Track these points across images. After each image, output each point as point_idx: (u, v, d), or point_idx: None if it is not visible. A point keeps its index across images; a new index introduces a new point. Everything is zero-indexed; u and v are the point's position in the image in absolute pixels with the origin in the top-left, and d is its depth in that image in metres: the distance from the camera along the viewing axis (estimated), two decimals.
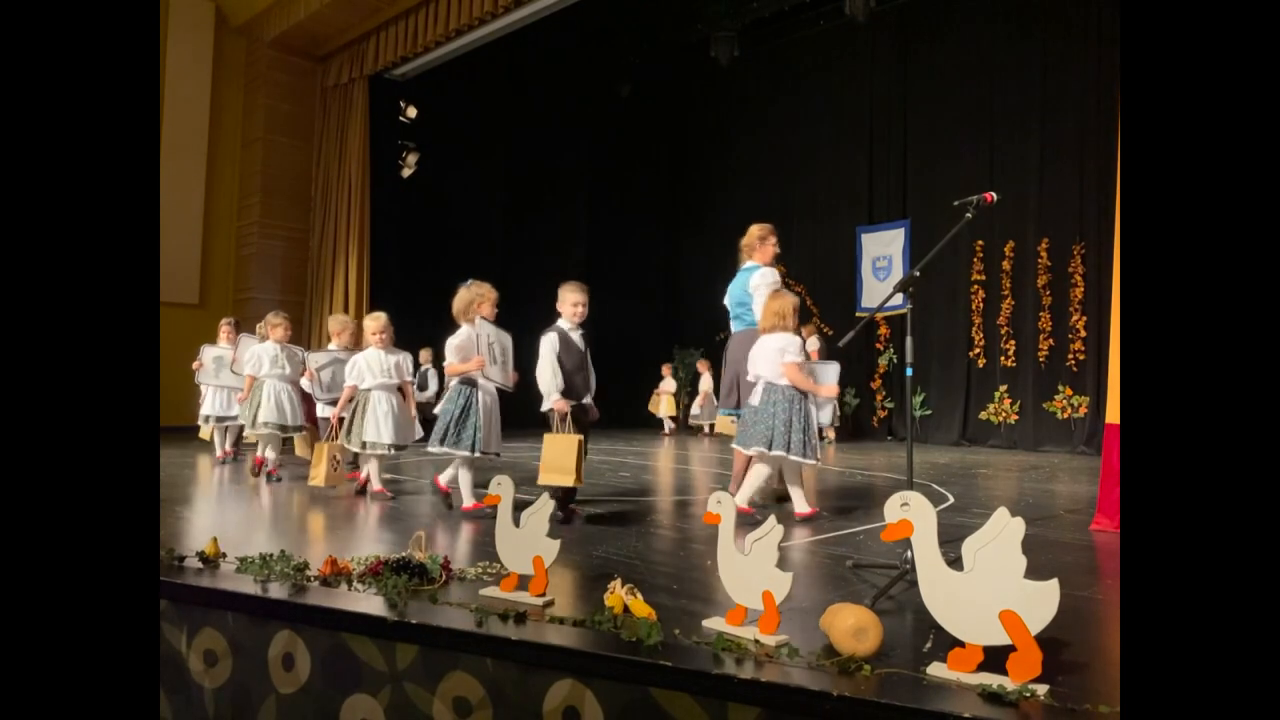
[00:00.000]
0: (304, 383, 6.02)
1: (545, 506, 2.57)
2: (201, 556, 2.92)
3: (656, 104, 14.03)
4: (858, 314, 11.25)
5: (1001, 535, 1.80)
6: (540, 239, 13.14)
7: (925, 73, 10.98)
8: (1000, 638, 1.77)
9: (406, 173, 11.79)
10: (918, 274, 3.12)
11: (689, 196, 14.18)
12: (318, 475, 5.19)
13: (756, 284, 4.65)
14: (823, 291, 11.94)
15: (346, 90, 11.06)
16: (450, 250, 11.85)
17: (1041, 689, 1.72)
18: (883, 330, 11.33)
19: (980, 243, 10.25)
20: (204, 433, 7.57)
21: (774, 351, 4.17)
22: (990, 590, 1.79)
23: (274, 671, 2.48)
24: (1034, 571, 1.78)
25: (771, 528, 2.17)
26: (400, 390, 5.18)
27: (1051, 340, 9.68)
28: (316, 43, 10.97)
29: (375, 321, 5.20)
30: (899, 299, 3.18)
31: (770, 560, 2.13)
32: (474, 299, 4.56)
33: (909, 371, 3.13)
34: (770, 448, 4.10)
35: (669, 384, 12.81)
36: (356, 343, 6.06)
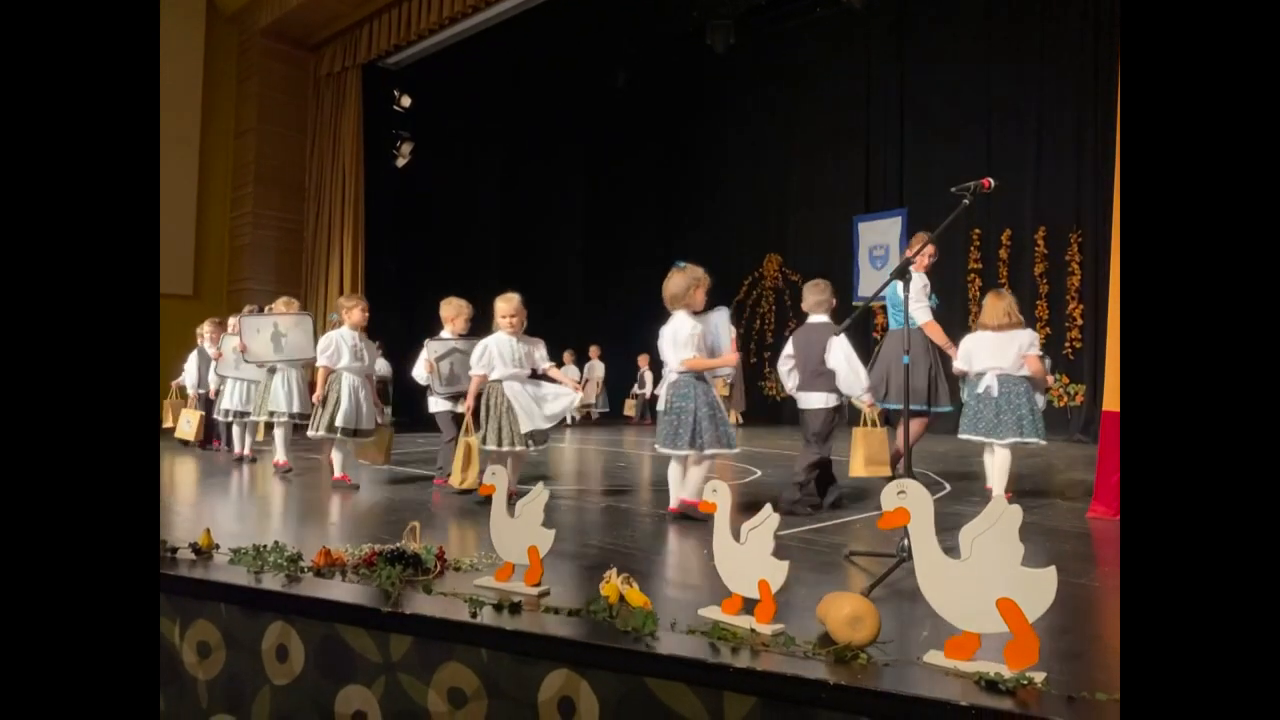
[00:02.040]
0: (420, 374, 5.17)
1: (540, 496, 2.56)
2: (195, 548, 2.90)
3: (652, 93, 13.96)
4: (854, 303, 11.23)
5: (998, 523, 1.79)
6: (535, 228, 13.10)
7: (923, 60, 10.94)
8: (997, 625, 1.76)
9: (401, 162, 11.74)
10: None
11: (685, 185, 14.13)
12: (470, 478, 4.49)
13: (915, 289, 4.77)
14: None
15: (340, 79, 10.99)
16: (445, 239, 11.82)
17: (1039, 676, 1.71)
18: (879, 319, 11.32)
19: (977, 231, 10.25)
20: (184, 432, 7.29)
21: (1025, 345, 4.54)
22: (987, 578, 1.78)
23: (268, 663, 2.46)
24: (1031, 559, 1.77)
25: (767, 516, 2.15)
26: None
27: (1048, 329, 9.68)
28: (309, 31, 10.89)
29: (507, 304, 4.54)
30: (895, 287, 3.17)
31: (766, 549, 2.12)
32: (691, 283, 4.03)
33: (905, 360, 3.12)
34: (1023, 435, 4.43)
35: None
36: (471, 329, 5.26)
